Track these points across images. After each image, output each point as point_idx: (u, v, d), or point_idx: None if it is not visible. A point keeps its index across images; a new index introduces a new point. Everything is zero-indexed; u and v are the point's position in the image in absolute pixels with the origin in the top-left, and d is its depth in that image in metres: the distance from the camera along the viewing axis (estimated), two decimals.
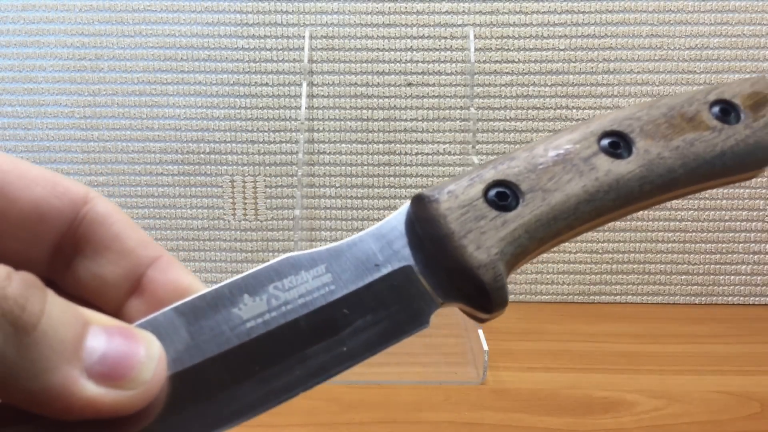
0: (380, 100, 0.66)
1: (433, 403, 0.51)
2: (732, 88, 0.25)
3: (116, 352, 0.17)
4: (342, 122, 0.67)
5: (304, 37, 0.64)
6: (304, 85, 0.64)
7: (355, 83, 0.66)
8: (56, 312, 0.16)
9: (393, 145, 0.67)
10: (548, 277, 0.69)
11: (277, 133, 0.67)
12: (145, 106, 0.66)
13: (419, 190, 0.23)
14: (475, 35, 0.64)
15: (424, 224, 0.22)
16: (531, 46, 0.65)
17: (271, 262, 0.20)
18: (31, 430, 0.17)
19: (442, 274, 0.22)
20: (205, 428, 0.18)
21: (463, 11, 0.64)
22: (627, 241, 0.68)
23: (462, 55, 0.65)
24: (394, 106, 0.66)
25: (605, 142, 0.23)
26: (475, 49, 0.64)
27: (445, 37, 0.65)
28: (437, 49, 0.65)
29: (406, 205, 0.23)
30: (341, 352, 0.20)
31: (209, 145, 0.67)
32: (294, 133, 0.67)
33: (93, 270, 0.22)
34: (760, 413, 0.49)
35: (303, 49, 0.64)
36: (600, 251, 0.68)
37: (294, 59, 0.66)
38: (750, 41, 0.64)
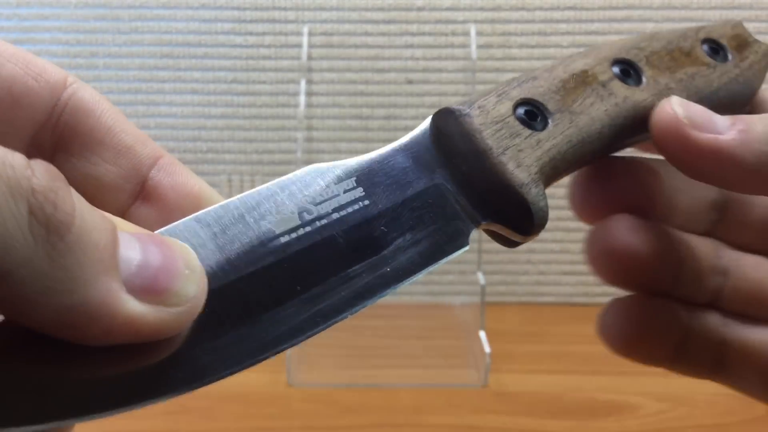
0: (380, 98, 0.65)
1: (435, 406, 0.50)
2: (717, 29, 0.26)
3: (155, 263, 0.15)
4: (341, 120, 0.66)
5: (302, 34, 0.64)
6: (303, 82, 0.63)
7: (355, 81, 0.65)
8: (87, 211, 0.14)
9: None
10: (551, 278, 0.68)
11: (275, 132, 0.66)
12: (141, 104, 0.66)
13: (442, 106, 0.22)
14: (476, 32, 0.64)
15: (456, 139, 0.21)
16: (533, 43, 0.64)
17: (297, 173, 0.19)
18: (36, 358, 0.15)
19: (478, 192, 0.21)
20: (248, 354, 0.16)
21: (465, 7, 0.64)
22: None
23: (463, 52, 0.64)
24: (394, 104, 0.66)
25: (617, 69, 0.23)
26: (477, 46, 0.64)
27: (446, 34, 0.64)
28: (438, 46, 0.65)
29: (428, 121, 0.22)
30: (385, 273, 0.19)
31: (206, 143, 0.67)
32: (292, 132, 0.66)
33: (85, 170, 0.20)
34: (766, 416, 0.49)
35: (301, 46, 0.64)
36: None
37: (292, 56, 0.65)
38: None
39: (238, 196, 0.18)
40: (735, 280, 0.25)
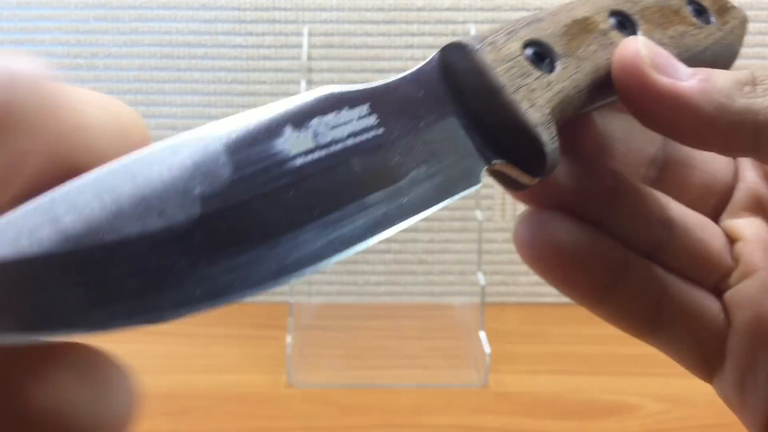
0: None
1: (434, 406, 0.50)
2: None
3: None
4: None
5: (302, 34, 0.64)
6: (303, 83, 0.63)
7: (355, 81, 0.65)
8: None
9: None
10: None
11: None
12: (141, 104, 0.66)
13: (451, 40, 0.21)
14: (477, 32, 0.64)
15: (467, 75, 0.20)
16: None
17: (309, 94, 0.19)
18: None
19: (489, 130, 0.20)
20: (268, 276, 0.16)
21: (465, 8, 0.64)
22: None
23: None
24: None
25: (613, 19, 0.23)
26: None
27: (447, 34, 0.64)
28: (438, 46, 0.64)
29: (435, 55, 0.21)
30: (402, 204, 0.18)
31: None
32: None
33: None
34: None
35: (302, 46, 0.64)
36: None
37: (292, 57, 0.65)
38: (758, 37, 0.64)
39: (250, 111, 0.17)
40: (680, 236, 0.24)
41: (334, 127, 0.18)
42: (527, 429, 0.48)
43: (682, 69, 0.21)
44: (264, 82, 0.66)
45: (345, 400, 0.51)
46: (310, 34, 0.64)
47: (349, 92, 0.19)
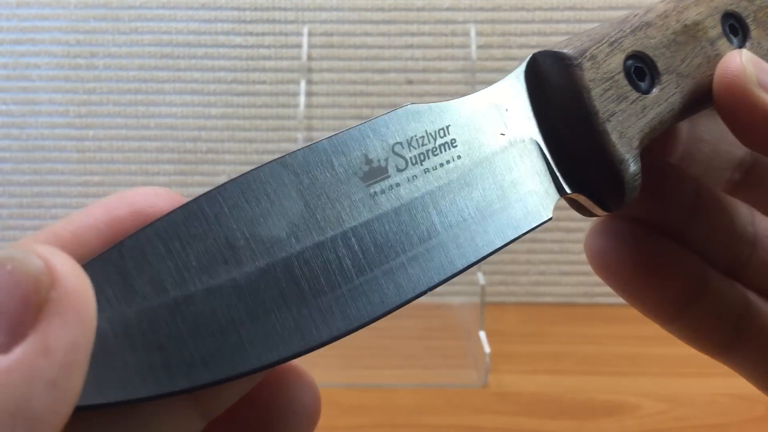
0: (380, 98, 0.65)
1: (434, 406, 0.50)
2: None
3: None
4: (341, 121, 0.66)
5: (302, 34, 0.64)
6: (303, 83, 0.63)
7: (355, 81, 0.65)
8: None
9: None
10: (551, 278, 0.68)
11: (275, 132, 0.66)
12: (140, 104, 0.66)
13: (547, 47, 0.19)
14: (476, 32, 0.64)
15: (560, 92, 0.19)
16: (533, 43, 0.64)
17: (391, 113, 0.17)
18: None
19: (570, 156, 0.19)
20: (363, 317, 0.16)
21: (465, 7, 0.64)
22: None
23: (464, 53, 0.64)
24: (394, 104, 0.65)
25: (725, 24, 0.21)
26: (477, 46, 0.63)
27: (446, 34, 0.64)
28: (438, 46, 0.65)
29: (524, 63, 0.20)
30: (468, 243, 0.17)
31: (206, 144, 0.67)
32: (292, 132, 0.66)
33: None
34: (766, 416, 0.49)
35: (301, 46, 0.64)
36: None
37: (292, 57, 0.65)
38: None
39: (327, 137, 0.17)
40: (764, 252, 0.22)
41: (412, 154, 0.17)
42: (527, 429, 0.48)
43: None
44: (264, 82, 0.66)
45: (345, 400, 0.51)
46: (310, 34, 0.64)
47: (434, 111, 0.18)
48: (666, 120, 0.20)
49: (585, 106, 0.19)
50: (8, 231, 0.68)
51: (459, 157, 0.18)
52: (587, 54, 0.19)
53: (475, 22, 0.64)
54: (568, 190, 0.19)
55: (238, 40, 0.65)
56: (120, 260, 0.14)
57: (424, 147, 0.17)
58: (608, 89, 0.19)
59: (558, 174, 0.19)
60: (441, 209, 0.17)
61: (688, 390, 0.52)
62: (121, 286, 0.14)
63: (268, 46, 0.65)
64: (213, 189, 0.15)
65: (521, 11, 0.64)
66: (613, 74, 0.19)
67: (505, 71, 0.67)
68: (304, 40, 0.63)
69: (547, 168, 0.19)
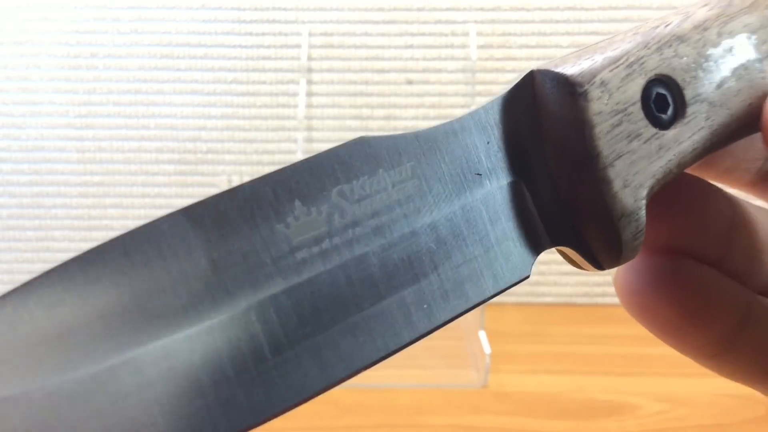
0: (380, 99, 0.65)
1: (434, 407, 0.50)
2: None
3: None
4: (341, 121, 0.66)
5: (302, 34, 0.64)
6: (303, 83, 0.63)
7: (355, 81, 0.65)
8: None
9: None
10: (551, 278, 0.68)
11: (275, 132, 0.66)
12: (140, 104, 0.66)
13: (545, 65, 0.16)
14: (476, 32, 0.64)
15: (556, 124, 0.15)
16: (533, 43, 0.64)
17: (338, 147, 0.14)
18: None
19: (561, 201, 0.16)
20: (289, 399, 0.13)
21: (465, 8, 0.64)
22: None
23: (463, 53, 0.64)
24: (394, 104, 0.65)
25: None
26: (477, 47, 0.63)
27: (446, 35, 0.64)
28: (438, 47, 0.65)
29: (522, 81, 0.16)
30: (421, 311, 0.14)
31: (206, 144, 0.66)
32: (292, 132, 0.66)
33: None
34: (766, 416, 0.49)
35: (301, 46, 0.64)
36: None
37: (292, 57, 0.65)
38: None
39: (253, 179, 0.13)
40: None
41: (357, 201, 0.14)
42: (527, 429, 0.48)
43: None
44: (264, 82, 0.65)
45: (344, 400, 0.51)
46: (310, 34, 0.64)
47: (390, 143, 0.14)
48: (685, 163, 0.16)
49: (585, 146, 0.15)
50: (8, 231, 0.68)
51: (419, 205, 0.14)
52: (597, 79, 0.15)
53: (475, 22, 0.64)
54: (550, 244, 0.16)
55: (238, 40, 0.65)
56: None
57: (376, 193, 0.14)
58: (618, 125, 0.15)
59: (541, 223, 0.16)
60: (388, 269, 0.14)
61: (688, 390, 0.52)
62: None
63: (268, 46, 0.65)
64: (91, 249, 0.12)
65: (521, 11, 0.64)
66: (626, 105, 0.15)
67: (504, 71, 0.68)
68: (304, 40, 0.63)
69: (527, 217, 0.16)
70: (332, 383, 0.13)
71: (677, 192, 0.18)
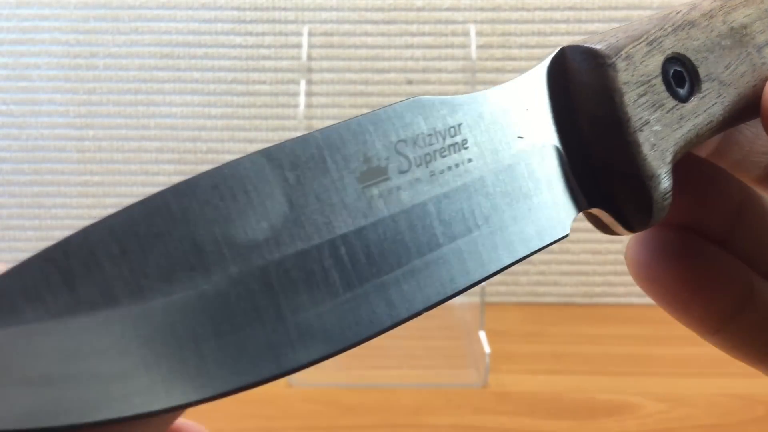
0: (380, 99, 0.65)
1: (434, 406, 0.50)
2: None
3: None
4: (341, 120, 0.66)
5: (302, 34, 0.64)
6: (303, 83, 0.63)
7: (355, 81, 0.65)
8: None
9: None
10: (551, 278, 0.68)
11: (275, 132, 0.66)
12: (140, 104, 0.66)
13: (577, 41, 0.17)
14: (476, 32, 0.63)
15: (589, 94, 0.17)
16: (533, 43, 0.64)
17: (396, 106, 0.15)
18: None
19: (594, 166, 0.17)
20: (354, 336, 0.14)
21: (465, 7, 0.64)
22: None
23: (463, 53, 0.64)
24: None
25: None
26: (477, 46, 0.63)
27: (446, 34, 0.64)
28: (438, 46, 0.65)
29: (548, 59, 0.18)
30: (474, 261, 0.15)
31: (206, 144, 0.66)
32: (292, 132, 0.66)
33: None
34: (766, 416, 0.49)
35: (301, 46, 0.64)
36: (604, 252, 0.67)
37: (292, 57, 0.65)
38: None
39: (321, 128, 0.14)
40: None
41: (417, 154, 0.15)
42: (527, 429, 0.48)
43: None
44: (264, 82, 0.65)
45: (345, 400, 0.51)
46: (310, 34, 0.64)
47: (444, 105, 0.16)
48: (703, 133, 0.18)
49: (616, 112, 0.17)
50: (8, 231, 0.68)
51: (470, 160, 0.16)
52: (623, 53, 0.17)
53: (475, 22, 0.64)
54: (587, 205, 0.17)
55: (238, 40, 0.65)
56: (64, 261, 0.12)
57: (431, 147, 0.15)
58: (643, 94, 0.17)
59: (578, 185, 0.17)
60: (445, 219, 0.15)
61: (688, 390, 0.52)
62: (63, 292, 0.12)
63: (268, 46, 0.65)
64: (182, 181, 0.13)
65: (521, 11, 0.64)
66: (650, 78, 0.17)
67: (504, 71, 0.68)
68: (304, 40, 0.63)
69: (566, 179, 0.17)
70: (396, 322, 0.14)
71: (690, 172, 0.19)
